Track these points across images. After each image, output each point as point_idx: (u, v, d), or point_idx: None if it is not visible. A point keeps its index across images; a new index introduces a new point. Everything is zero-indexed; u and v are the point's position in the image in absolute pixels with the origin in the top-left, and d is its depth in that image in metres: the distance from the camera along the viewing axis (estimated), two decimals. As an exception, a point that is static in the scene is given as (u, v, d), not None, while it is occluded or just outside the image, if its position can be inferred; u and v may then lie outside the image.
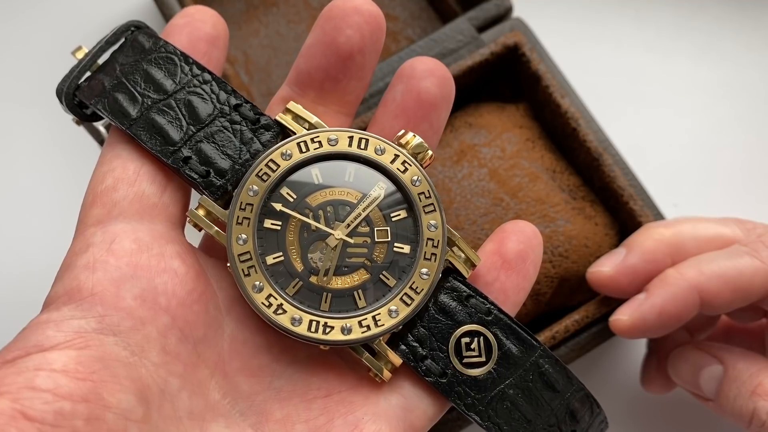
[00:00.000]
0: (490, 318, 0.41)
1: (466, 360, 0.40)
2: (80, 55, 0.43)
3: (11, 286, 0.63)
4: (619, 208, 0.57)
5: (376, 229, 0.41)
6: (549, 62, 0.60)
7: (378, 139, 0.41)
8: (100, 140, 0.47)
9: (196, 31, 0.43)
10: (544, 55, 0.60)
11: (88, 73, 0.43)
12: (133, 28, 0.44)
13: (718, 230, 0.52)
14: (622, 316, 0.51)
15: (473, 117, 0.60)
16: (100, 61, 0.43)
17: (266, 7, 0.68)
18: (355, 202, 0.41)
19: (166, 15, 0.61)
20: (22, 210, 0.65)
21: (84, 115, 0.43)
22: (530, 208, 0.56)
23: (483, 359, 0.40)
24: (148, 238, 0.39)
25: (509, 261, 0.42)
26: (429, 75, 0.43)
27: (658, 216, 0.57)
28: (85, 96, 0.42)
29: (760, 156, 0.67)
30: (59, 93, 0.42)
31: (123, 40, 0.44)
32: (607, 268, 0.52)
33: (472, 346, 0.41)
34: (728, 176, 0.67)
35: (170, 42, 0.42)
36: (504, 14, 0.62)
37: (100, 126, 0.46)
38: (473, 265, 0.42)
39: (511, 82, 0.62)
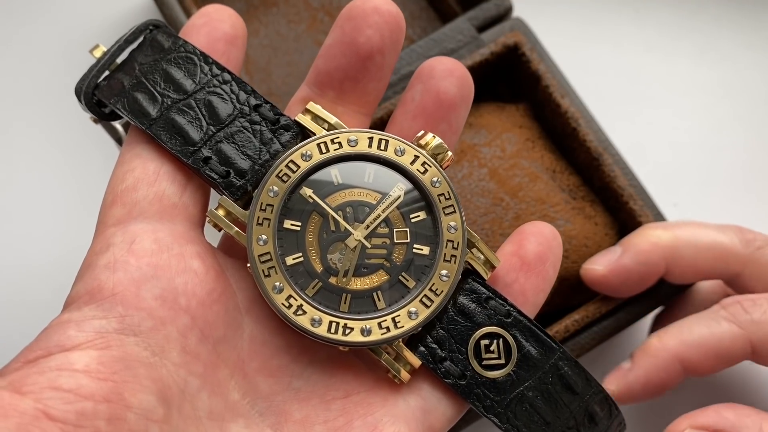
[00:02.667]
0: (509, 320, 0.41)
1: (485, 362, 0.40)
2: (98, 53, 0.43)
3: (13, 285, 0.62)
4: (619, 208, 0.57)
5: (395, 230, 0.41)
6: (549, 62, 0.60)
7: (398, 140, 0.41)
8: (118, 138, 0.46)
9: (214, 31, 0.43)
10: (544, 55, 0.60)
11: (106, 72, 0.43)
12: (151, 27, 0.43)
13: (716, 239, 0.52)
14: (597, 266, 0.53)
15: (473, 117, 0.60)
16: (119, 60, 0.43)
17: (266, 7, 0.67)
18: (375, 203, 0.41)
19: (167, 15, 0.61)
20: (23, 208, 0.65)
21: (102, 114, 0.43)
22: (530, 208, 0.56)
23: (502, 361, 0.40)
24: (169, 238, 0.39)
25: (528, 262, 0.42)
26: (448, 75, 0.43)
27: (658, 216, 0.57)
28: (104, 95, 0.42)
29: (760, 156, 0.67)
30: (78, 92, 0.42)
31: (141, 39, 0.43)
32: (600, 266, 0.53)
33: (492, 348, 0.40)
34: (728, 176, 0.67)
35: (189, 42, 0.42)
36: (504, 14, 0.62)
37: (117, 125, 0.46)
38: (492, 267, 0.42)
39: (510, 82, 0.62)
